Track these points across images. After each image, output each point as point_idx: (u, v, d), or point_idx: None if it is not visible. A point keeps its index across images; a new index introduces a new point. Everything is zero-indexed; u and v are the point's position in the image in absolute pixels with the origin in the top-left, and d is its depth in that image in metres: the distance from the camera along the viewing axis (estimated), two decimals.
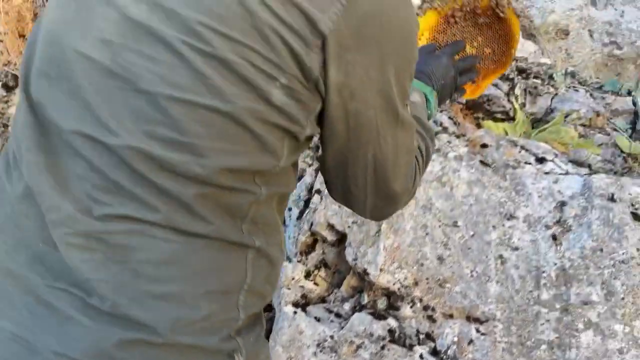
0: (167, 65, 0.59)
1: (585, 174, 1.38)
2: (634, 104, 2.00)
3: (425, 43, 1.23)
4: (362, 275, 1.33)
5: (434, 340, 1.25)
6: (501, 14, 1.19)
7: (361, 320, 1.28)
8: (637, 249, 1.24)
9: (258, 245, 0.68)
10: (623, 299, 1.20)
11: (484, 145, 1.47)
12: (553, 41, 3.32)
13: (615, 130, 1.91)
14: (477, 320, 1.24)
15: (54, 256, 0.63)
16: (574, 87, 2.01)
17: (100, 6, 0.62)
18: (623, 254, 1.24)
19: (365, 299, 1.31)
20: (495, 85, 1.72)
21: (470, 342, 1.23)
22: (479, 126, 1.56)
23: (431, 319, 1.26)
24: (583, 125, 1.84)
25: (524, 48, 3.07)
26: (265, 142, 0.63)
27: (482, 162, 1.40)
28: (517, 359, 1.20)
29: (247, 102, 0.60)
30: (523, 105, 1.92)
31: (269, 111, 0.61)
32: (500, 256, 1.28)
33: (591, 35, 3.48)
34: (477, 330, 1.23)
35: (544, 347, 1.19)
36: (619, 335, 1.17)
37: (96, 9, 0.63)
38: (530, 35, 3.24)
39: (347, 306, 1.36)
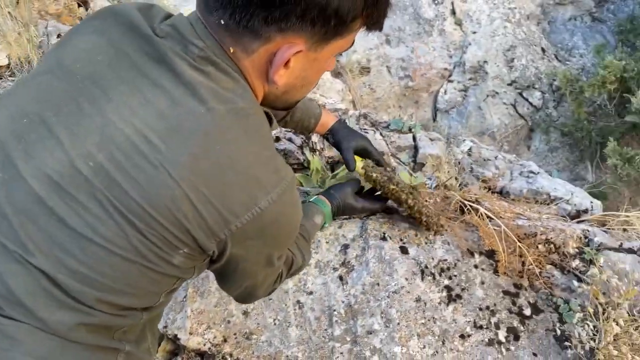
0: (96, 217, 0.70)
1: (364, 217, 1.61)
2: (414, 139, 2.32)
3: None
4: (175, 340, 1.39)
5: None
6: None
7: None
8: (406, 279, 1.48)
9: (128, 349, 0.82)
10: (399, 324, 1.41)
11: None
12: (357, 77, 3.71)
13: (400, 164, 2.21)
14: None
15: None
16: (364, 129, 2.27)
17: (50, 140, 0.72)
18: (395, 285, 1.46)
19: None
20: (289, 139, 1.89)
21: None
22: None
23: None
24: (382, 153, 2.10)
25: (332, 87, 3.37)
26: (158, 288, 0.80)
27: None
28: None
29: (153, 260, 0.74)
30: (322, 150, 2.13)
31: (168, 268, 0.77)
32: (298, 302, 1.43)
33: (389, 71, 3.95)
34: None
35: None
36: (398, 355, 1.38)
37: (45, 141, 0.72)
38: (337, 74, 3.56)
39: None
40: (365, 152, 1.59)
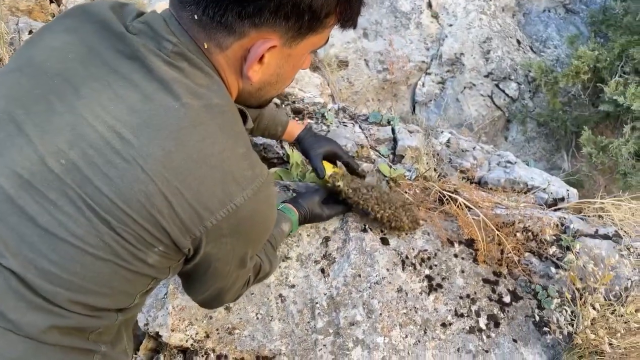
0: (67, 215, 0.69)
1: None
2: (393, 132, 2.33)
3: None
4: (156, 337, 1.38)
5: None
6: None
7: None
8: (387, 270, 1.49)
9: (104, 350, 0.81)
10: (381, 314, 1.42)
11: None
12: (335, 71, 3.70)
13: (379, 157, 2.22)
14: (266, 358, 1.37)
15: None
16: (344, 123, 2.27)
17: (19, 138, 0.70)
18: (376, 276, 1.47)
19: None
20: None
21: None
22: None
23: None
24: (352, 157, 2.10)
25: (310, 81, 3.36)
26: (132, 288, 0.79)
27: None
28: None
29: (127, 258, 0.73)
30: None
31: (143, 267, 0.75)
32: (280, 295, 1.43)
33: (367, 64, 3.95)
34: None
35: None
36: (381, 346, 1.39)
37: (15, 139, 0.70)
38: (315, 68, 3.55)
39: None
40: (334, 157, 1.59)
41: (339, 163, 1.60)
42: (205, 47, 0.78)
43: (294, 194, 1.61)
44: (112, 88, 0.72)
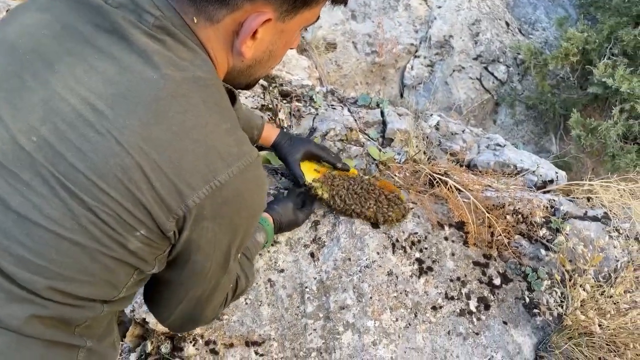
0: (41, 196, 0.64)
1: None
2: (382, 114, 2.31)
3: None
4: (143, 324, 1.36)
5: None
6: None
7: None
8: (377, 253, 1.47)
9: (89, 345, 0.76)
10: (371, 297, 1.41)
11: None
12: (323, 54, 3.66)
13: (369, 140, 2.19)
14: (255, 343, 1.35)
15: None
16: (332, 105, 2.24)
17: None
18: (366, 259, 1.45)
19: (149, 347, 1.34)
20: None
21: None
22: None
23: (214, 352, 1.34)
24: (341, 140, 2.08)
25: (298, 64, 3.32)
26: (114, 277, 0.73)
27: None
28: None
29: (106, 243, 0.68)
30: (289, 127, 2.10)
31: (124, 253, 0.70)
32: (269, 280, 1.42)
33: (355, 47, 3.91)
34: (256, 353, 1.35)
35: (314, 354, 1.35)
36: (372, 329, 1.38)
37: None
38: (303, 51, 3.51)
39: (133, 357, 1.37)
40: (313, 157, 1.56)
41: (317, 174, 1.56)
42: (195, 21, 0.74)
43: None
44: (87, 61, 0.68)
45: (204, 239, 0.75)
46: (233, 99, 0.86)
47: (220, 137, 0.72)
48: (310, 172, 1.51)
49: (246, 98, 1.93)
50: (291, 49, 0.94)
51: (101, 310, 0.75)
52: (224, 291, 0.93)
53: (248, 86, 0.95)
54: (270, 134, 1.53)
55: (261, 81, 2.06)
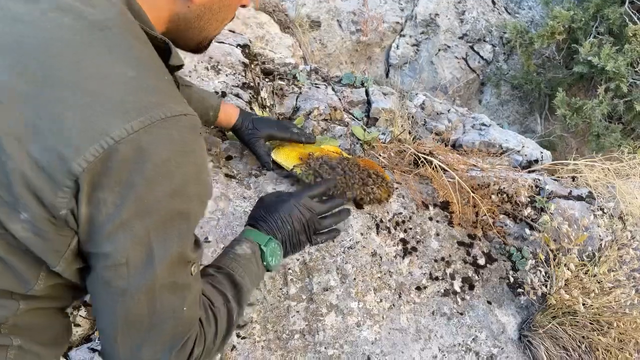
0: None
1: None
2: (367, 94, 2.27)
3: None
4: None
5: None
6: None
7: None
8: (361, 234, 1.45)
9: (19, 344, 0.67)
10: (355, 279, 1.39)
11: (229, 158, 1.55)
12: (307, 32, 3.59)
13: (353, 119, 2.16)
14: (237, 326, 1.33)
15: None
16: (316, 84, 2.20)
17: None
18: (350, 240, 1.43)
19: None
20: (237, 95, 1.80)
21: (233, 348, 1.31)
22: (225, 138, 1.63)
23: None
24: (325, 119, 2.04)
25: (281, 42, 3.25)
26: (12, 268, 0.61)
27: (227, 175, 1.48)
28: (275, 353, 1.32)
29: None
30: (272, 106, 2.05)
31: (14, 242, 0.59)
32: None
33: (340, 25, 3.84)
34: (238, 335, 1.32)
35: (297, 336, 1.33)
36: (355, 311, 1.36)
37: None
38: (286, 29, 3.44)
39: None
40: (276, 138, 1.47)
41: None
42: None
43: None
44: None
45: (104, 216, 0.58)
46: (167, 50, 0.72)
47: (118, 87, 0.57)
48: (290, 158, 1.47)
49: (227, 76, 1.88)
50: (243, 6, 0.81)
51: (17, 306, 0.64)
52: (172, 319, 0.66)
53: (199, 47, 0.82)
54: (229, 115, 1.40)
55: (242, 58, 2.01)
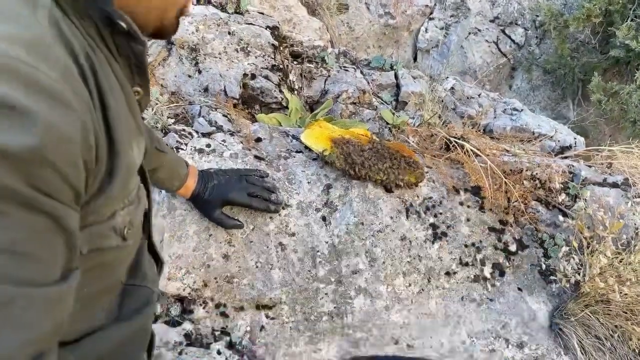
0: None
1: None
2: (396, 77, 2.24)
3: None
4: None
5: (229, 334, 1.32)
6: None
7: (157, 332, 1.30)
8: (391, 217, 1.44)
9: None
10: (384, 262, 1.38)
11: (258, 140, 1.55)
12: (335, 15, 3.55)
13: (382, 103, 2.13)
14: (265, 307, 1.34)
15: None
16: (344, 67, 2.18)
17: None
18: (379, 224, 1.42)
19: (159, 309, 1.33)
20: (266, 77, 1.79)
21: (262, 328, 1.33)
22: (254, 120, 1.63)
23: (224, 315, 1.33)
24: (353, 103, 2.03)
25: (309, 25, 3.23)
26: None
27: (256, 156, 1.48)
28: (303, 334, 1.32)
29: None
30: (301, 89, 2.04)
31: None
32: (280, 243, 1.39)
33: (368, 8, 3.79)
34: (267, 316, 1.33)
35: (325, 318, 1.34)
36: (384, 294, 1.36)
37: None
38: (314, 12, 3.41)
39: None
40: (236, 204, 1.35)
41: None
42: None
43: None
44: None
45: None
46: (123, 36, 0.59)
47: None
48: (321, 141, 1.46)
49: (256, 57, 1.87)
50: None
51: None
52: None
53: (162, 30, 0.67)
54: (188, 185, 1.29)
55: (272, 40, 2.00)
